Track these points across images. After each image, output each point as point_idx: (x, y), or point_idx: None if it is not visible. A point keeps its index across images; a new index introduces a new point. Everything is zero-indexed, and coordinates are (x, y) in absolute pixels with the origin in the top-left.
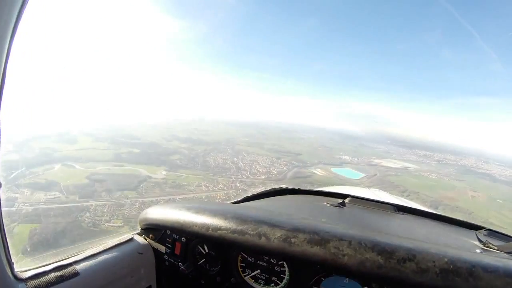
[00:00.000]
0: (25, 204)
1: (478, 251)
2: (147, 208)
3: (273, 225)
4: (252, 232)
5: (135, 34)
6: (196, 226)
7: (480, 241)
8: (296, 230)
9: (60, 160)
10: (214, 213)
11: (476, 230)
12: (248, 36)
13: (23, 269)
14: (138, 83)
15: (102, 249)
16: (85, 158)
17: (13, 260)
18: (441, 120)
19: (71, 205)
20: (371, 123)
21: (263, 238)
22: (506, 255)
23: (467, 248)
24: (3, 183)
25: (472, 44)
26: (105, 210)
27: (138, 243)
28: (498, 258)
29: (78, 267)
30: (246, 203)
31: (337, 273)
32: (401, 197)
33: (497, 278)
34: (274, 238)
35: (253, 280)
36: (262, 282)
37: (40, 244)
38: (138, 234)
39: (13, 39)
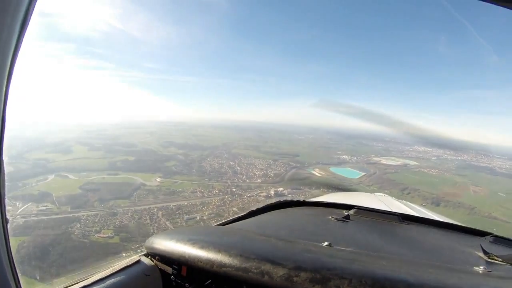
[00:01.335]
0: (16, 217)
1: (481, 267)
2: (153, 235)
3: (275, 263)
4: (255, 271)
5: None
6: (201, 262)
7: (485, 252)
8: (298, 268)
9: (54, 170)
10: (219, 249)
11: (481, 236)
12: (241, 38)
13: None
14: (145, 92)
15: (109, 273)
16: (80, 167)
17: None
18: (438, 115)
19: (62, 216)
20: (370, 121)
21: (266, 277)
22: (511, 267)
23: (472, 263)
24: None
25: (467, 37)
26: (96, 220)
27: (145, 264)
28: (498, 282)
29: None
30: (252, 219)
31: None
32: (403, 199)
33: None
34: (277, 277)
35: None
36: None
37: (26, 258)
38: (145, 255)
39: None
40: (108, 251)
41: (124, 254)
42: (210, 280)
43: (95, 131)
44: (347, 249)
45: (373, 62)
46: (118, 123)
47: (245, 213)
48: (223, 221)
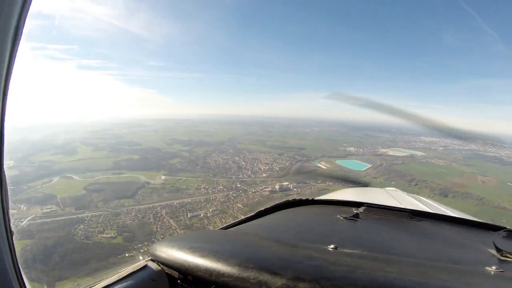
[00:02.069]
0: (21, 220)
1: (494, 267)
2: (158, 242)
3: (274, 273)
4: (253, 281)
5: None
6: (200, 272)
7: (497, 249)
8: (297, 279)
9: (59, 172)
10: (218, 258)
11: (494, 231)
12: (245, 32)
13: None
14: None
15: (116, 279)
16: (84, 168)
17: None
18: (445, 105)
19: (66, 217)
20: (376, 112)
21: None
22: None
23: (484, 262)
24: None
25: (473, 26)
26: (99, 221)
27: (152, 269)
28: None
29: None
30: (259, 221)
31: None
32: (410, 190)
33: None
34: (275, 287)
35: None
36: None
37: (30, 262)
38: (152, 260)
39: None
40: (110, 252)
41: (127, 255)
42: (214, 285)
43: (99, 131)
44: (353, 251)
45: (380, 53)
46: (122, 123)
47: (253, 213)
48: (230, 223)
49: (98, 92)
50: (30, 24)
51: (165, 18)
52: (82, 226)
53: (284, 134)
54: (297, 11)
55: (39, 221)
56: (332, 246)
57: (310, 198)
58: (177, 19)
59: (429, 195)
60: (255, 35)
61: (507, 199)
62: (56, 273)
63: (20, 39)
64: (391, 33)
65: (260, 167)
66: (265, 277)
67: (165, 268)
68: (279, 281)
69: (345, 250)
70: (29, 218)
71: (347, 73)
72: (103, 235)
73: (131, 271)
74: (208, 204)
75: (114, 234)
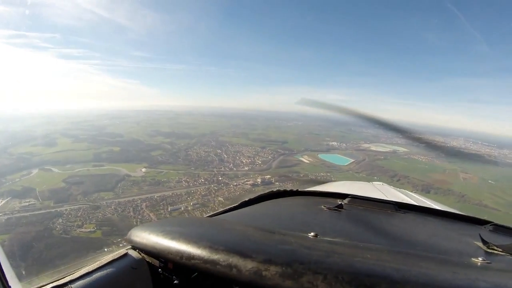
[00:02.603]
0: None
1: (480, 259)
2: (134, 227)
3: (245, 255)
4: (223, 263)
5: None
6: (171, 254)
7: (484, 242)
8: (268, 261)
9: (38, 164)
10: (189, 240)
11: (480, 225)
12: (230, 24)
13: None
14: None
15: (96, 267)
16: (64, 160)
17: (10, 285)
18: (428, 102)
19: (45, 211)
20: (358, 108)
21: (234, 270)
22: None
23: (470, 254)
24: None
25: (456, 26)
26: (78, 215)
27: (133, 257)
28: (498, 276)
29: (73, 286)
30: (241, 210)
31: None
32: (393, 186)
33: None
34: (245, 270)
35: None
36: None
37: (7, 257)
38: (132, 248)
39: None
40: (89, 247)
41: (106, 249)
42: (196, 273)
43: (80, 122)
44: (334, 240)
45: (362, 50)
46: (104, 114)
47: (237, 204)
48: (213, 212)
49: (80, 82)
50: (7, 11)
51: (149, 8)
52: (60, 220)
53: (267, 127)
54: (281, 5)
55: (17, 215)
56: (312, 234)
57: (295, 189)
58: (161, 9)
59: (411, 191)
60: (240, 28)
61: (488, 196)
62: (34, 269)
63: None
64: (374, 30)
65: (242, 160)
66: (235, 259)
67: (145, 256)
68: (249, 264)
69: (325, 238)
70: (7, 213)
71: (330, 68)
72: (82, 230)
73: (111, 259)
74: (189, 197)
75: (93, 228)
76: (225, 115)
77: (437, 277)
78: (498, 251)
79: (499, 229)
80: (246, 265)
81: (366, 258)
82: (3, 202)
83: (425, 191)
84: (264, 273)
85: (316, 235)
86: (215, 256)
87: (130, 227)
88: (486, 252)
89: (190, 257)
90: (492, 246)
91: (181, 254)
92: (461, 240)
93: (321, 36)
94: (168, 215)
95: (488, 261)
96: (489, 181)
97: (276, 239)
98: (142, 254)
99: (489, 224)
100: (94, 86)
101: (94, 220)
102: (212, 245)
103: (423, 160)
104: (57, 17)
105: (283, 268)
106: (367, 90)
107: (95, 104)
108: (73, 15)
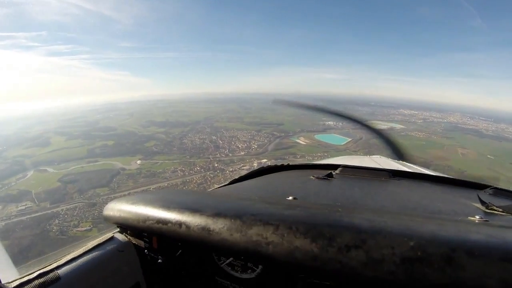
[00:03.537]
0: None
1: (477, 217)
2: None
3: (195, 210)
4: (173, 221)
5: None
6: (131, 219)
7: (482, 202)
8: (217, 215)
9: (33, 166)
10: (146, 203)
11: (481, 189)
12: (219, 7)
13: (9, 280)
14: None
15: (82, 251)
16: (58, 159)
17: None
18: (423, 78)
19: (41, 213)
20: (354, 86)
21: (183, 227)
22: None
23: (466, 214)
24: None
25: (450, 0)
26: (75, 214)
27: (119, 241)
28: (496, 230)
29: (60, 271)
30: (226, 187)
31: (262, 264)
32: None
33: (490, 264)
34: (194, 226)
35: (230, 268)
36: (238, 269)
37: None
38: (119, 232)
39: None
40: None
41: (89, 242)
42: (180, 251)
43: (73, 119)
44: (311, 202)
45: (356, 28)
46: (96, 108)
47: (227, 182)
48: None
49: (71, 78)
50: None
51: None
52: (57, 221)
53: (261, 110)
54: None
55: (14, 220)
56: (290, 198)
57: (286, 164)
58: None
59: None
60: (230, 10)
61: (488, 172)
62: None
63: None
64: (367, 7)
65: (238, 145)
66: (185, 216)
67: (132, 238)
68: (198, 220)
69: (300, 200)
70: (4, 218)
71: (324, 47)
72: (79, 229)
73: (97, 243)
74: (185, 186)
75: (90, 226)
76: (219, 100)
77: (420, 229)
78: (498, 211)
79: (500, 192)
80: (195, 221)
81: (334, 211)
82: (0, 208)
83: (424, 167)
84: (212, 227)
85: (295, 199)
86: (166, 215)
87: None
88: (485, 213)
89: (146, 218)
90: (491, 206)
91: (138, 218)
92: (458, 202)
93: (315, 16)
94: None
95: (486, 220)
96: (488, 156)
97: (237, 197)
98: (129, 237)
99: (489, 188)
100: (85, 81)
101: (90, 218)
102: (165, 205)
103: (421, 136)
104: (42, 14)
105: (231, 221)
106: (364, 68)
107: (87, 99)
108: (58, 11)
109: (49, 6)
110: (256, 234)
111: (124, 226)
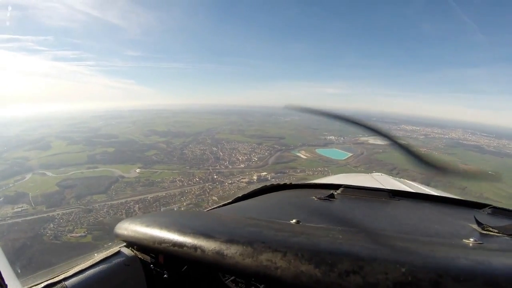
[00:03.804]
0: None
1: (471, 239)
2: (120, 222)
3: (209, 236)
4: (189, 245)
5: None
6: (145, 240)
7: (478, 223)
8: (230, 241)
9: (32, 169)
10: (161, 226)
11: (479, 208)
12: (225, 21)
13: None
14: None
15: (89, 264)
16: (58, 163)
17: (6, 283)
18: (424, 94)
19: (37, 216)
20: (356, 101)
21: (198, 251)
22: (509, 238)
23: (462, 236)
24: None
25: (451, 16)
26: (70, 219)
27: (125, 255)
28: (486, 254)
29: (67, 283)
30: (231, 206)
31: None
32: (404, 178)
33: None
34: (208, 250)
35: (234, 284)
36: (242, 286)
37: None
38: (125, 246)
39: None
40: (79, 253)
41: (96, 255)
42: (186, 266)
43: (75, 124)
44: (315, 225)
45: (358, 43)
46: (99, 115)
47: (230, 200)
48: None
49: (75, 84)
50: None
51: (143, 7)
52: (52, 225)
53: (264, 123)
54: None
55: (9, 221)
56: (294, 220)
57: (288, 183)
58: (155, 8)
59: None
60: (235, 24)
61: (489, 188)
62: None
63: None
64: (370, 23)
65: (238, 157)
66: (200, 241)
67: (138, 253)
68: (212, 245)
69: (305, 224)
70: None
71: (326, 62)
72: (73, 234)
73: (104, 256)
74: (183, 197)
75: (84, 232)
76: (222, 112)
77: (411, 255)
78: (494, 232)
79: (499, 211)
80: (210, 246)
81: (336, 238)
82: None
83: (425, 183)
84: (225, 252)
85: (298, 222)
86: (182, 239)
87: None
88: (481, 234)
89: (161, 241)
90: (487, 227)
91: (153, 239)
92: (454, 223)
93: (318, 31)
94: None
95: (481, 242)
96: (489, 172)
97: (246, 223)
98: (135, 251)
99: (488, 207)
100: (90, 88)
101: (85, 224)
102: (180, 229)
103: (422, 152)
104: (49, 19)
105: (244, 247)
106: (364, 83)
107: (91, 105)
108: (66, 17)
109: (57, 12)
110: (266, 259)
111: (138, 245)
